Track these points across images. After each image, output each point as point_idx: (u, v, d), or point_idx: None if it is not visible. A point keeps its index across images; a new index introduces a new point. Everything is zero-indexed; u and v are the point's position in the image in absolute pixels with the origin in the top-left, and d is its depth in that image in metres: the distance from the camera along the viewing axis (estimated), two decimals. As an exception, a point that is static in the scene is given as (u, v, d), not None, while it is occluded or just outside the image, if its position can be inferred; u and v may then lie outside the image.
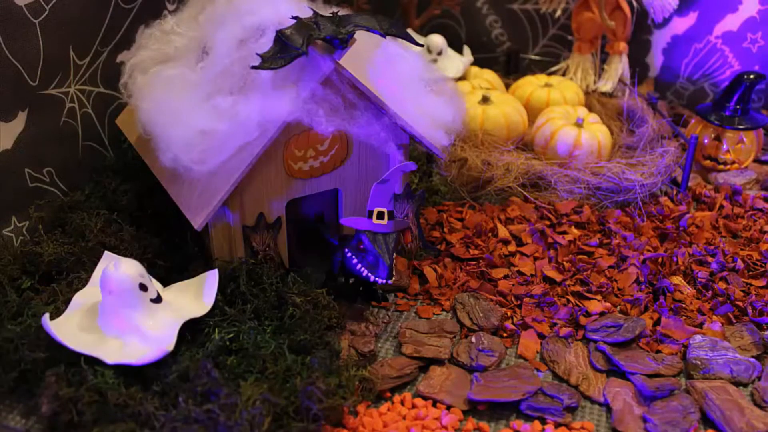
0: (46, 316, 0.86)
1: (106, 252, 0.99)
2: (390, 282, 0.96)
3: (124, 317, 0.86)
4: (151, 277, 0.90)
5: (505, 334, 0.99)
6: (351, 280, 1.03)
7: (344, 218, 0.99)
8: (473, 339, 0.96)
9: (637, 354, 0.95)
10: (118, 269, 0.86)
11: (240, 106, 0.91)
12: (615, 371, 0.94)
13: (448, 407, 0.87)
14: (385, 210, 0.95)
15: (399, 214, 1.09)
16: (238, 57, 0.93)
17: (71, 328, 0.88)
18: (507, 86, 1.58)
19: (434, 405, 0.88)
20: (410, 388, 0.91)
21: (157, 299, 0.89)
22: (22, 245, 1.04)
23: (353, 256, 0.97)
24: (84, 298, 0.93)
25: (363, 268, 0.96)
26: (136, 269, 0.87)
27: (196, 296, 0.94)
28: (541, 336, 0.98)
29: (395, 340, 0.98)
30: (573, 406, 0.88)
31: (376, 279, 0.95)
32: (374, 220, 0.95)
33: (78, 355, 0.84)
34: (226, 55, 0.94)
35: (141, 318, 0.87)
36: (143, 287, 0.87)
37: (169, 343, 0.85)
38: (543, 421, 0.86)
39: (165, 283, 1.01)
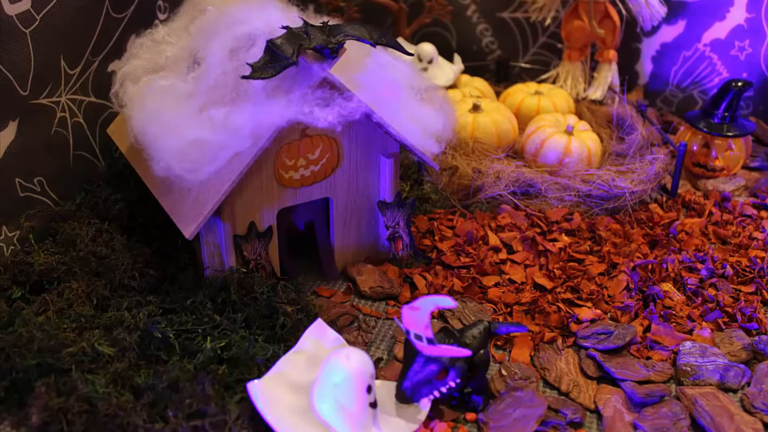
0: (255, 384, 0.80)
1: (319, 319, 0.92)
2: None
3: (341, 414, 0.78)
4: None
5: (499, 342, 0.99)
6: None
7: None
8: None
9: (628, 361, 0.95)
10: (351, 362, 0.78)
11: (232, 116, 0.91)
12: (605, 378, 0.94)
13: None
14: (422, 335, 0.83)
15: (390, 223, 1.09)
16: (230, 68, 0.93)
17: (278, 402, 0.81)
18: (497, 94, 1.59)
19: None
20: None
21: (374, 404, 0.81)
22: (13, 255, 1.04)
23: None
24: (290, 366, 0.86)
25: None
26: (369, 367, 0.79)
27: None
28: (533, 341, 0.99)
29: (387, 346, 0.98)
30: (577, 421, 0.87)
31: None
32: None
33: (69, 364, 0.84)
34: (219, 65, 0.94)
35: (357, 421, 0.79)
36: (369, 388, 0.79)
37: None
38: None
39: (156, 292, 1.01)
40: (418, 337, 0.82)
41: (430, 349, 0.82)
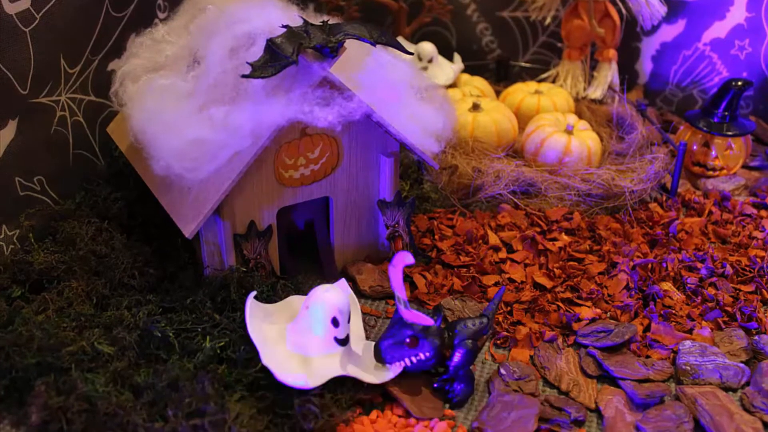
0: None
1: (343, 280, 0.98)
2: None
3: (301, 336, 0.87)
4: (359, 322, 0.90)
5: (499, 341, 0.99)
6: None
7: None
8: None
9: (628, 359, 0.95)
10: (324, 291, 0.86)
11: (232, 115, 0.91)
12: (606, 377, 0.94)
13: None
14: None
15: (390, 222, 1.09)
16: (230, 67, 0.93)
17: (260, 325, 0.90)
18: (497, 93, 1.59)
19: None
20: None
21: (343, 341, 0.87)
22: (13, 254, 1.04)
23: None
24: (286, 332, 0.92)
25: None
26: (338, 300, 0.86)
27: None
28: (534, 340, 0.99)
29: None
30: (581, 419, 0.87)
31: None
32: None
33: (69, 363, 0.84)
34: (219, 64, 0.94)
35: (313, 345, 0.87)
36: (335, 322, 0.86)
37: (295, 381, 0.83)
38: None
39: (155, 291, 1.01)
40: (400, 300, 0.85)
41: (405, 312, 0.86)
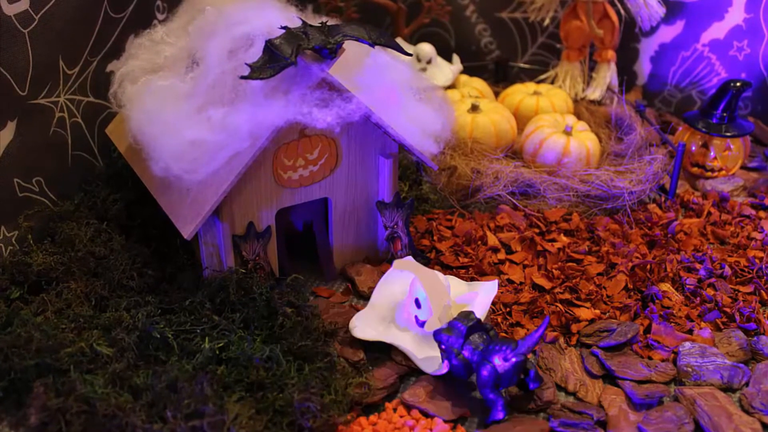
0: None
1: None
2: None
3: (396, 307, 0.99)
4: (451, 307, 0.95)
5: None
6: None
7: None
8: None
9: (631, 360, 0.95)
10: (419, 279, 0.95)
11: (231, 116, 0.91)
12: (610, 376, 0.94)
13: (432, 416, 0.87)
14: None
15: (389, 223, 1.09)
16: (229, 68, 0.94)
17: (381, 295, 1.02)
18: (496, 94, 1.59)
19: (426, 415, 0.88)
20: (400, 395, 0.91)
21: (422, 324, 0.95)
22: (11, 255, 1.04)
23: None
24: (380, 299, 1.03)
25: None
26: (427, 288, 0.94)
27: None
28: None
29: (386, 346, 0.98)
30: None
31: None
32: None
33: (68, 364, 0.84)
34: (217, 65, 0.94)
35: (401, 315, 0.98)
36: (417, 303, 0.95)
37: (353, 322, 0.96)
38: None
39: (154, 292, 1.01)
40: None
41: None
